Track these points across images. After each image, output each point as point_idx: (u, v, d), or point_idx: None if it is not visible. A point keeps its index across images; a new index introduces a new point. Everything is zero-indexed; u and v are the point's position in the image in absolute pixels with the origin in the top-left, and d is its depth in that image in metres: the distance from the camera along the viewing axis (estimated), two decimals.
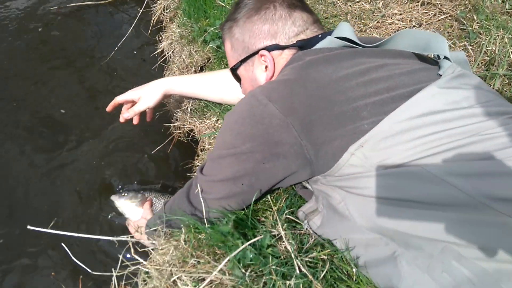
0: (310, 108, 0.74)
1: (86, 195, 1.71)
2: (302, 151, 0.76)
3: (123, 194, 1.44)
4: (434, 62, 0.90)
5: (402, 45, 0.90)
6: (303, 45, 0.92)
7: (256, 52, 0.96)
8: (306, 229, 0.92)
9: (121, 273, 0.90)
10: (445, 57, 0.87)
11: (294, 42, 0.93)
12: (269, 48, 0.94)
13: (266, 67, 0.95)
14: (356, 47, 0.89)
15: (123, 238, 1.03)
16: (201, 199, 0.90)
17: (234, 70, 1.04)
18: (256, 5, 0.95)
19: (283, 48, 0.93)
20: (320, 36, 0.92)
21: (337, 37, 0.88)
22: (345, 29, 0.90)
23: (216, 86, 1.37)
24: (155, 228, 1.01)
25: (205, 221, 0.91)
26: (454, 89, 0.77)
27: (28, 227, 1.01)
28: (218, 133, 0.89)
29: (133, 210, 1.38)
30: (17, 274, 1.46)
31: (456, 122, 0.71)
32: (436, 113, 0.72)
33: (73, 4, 2.70)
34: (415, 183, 0.67)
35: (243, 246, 0.81)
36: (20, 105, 2.11)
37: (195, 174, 1.70)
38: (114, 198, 1.45)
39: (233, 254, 0.81)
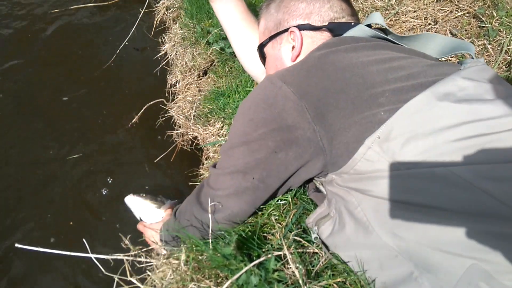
0: (326, 91, 0.71)
1: (87, 206, 1.65)
2: (315, 138, 0.72)
3: (141, 195, 1.34)
4: (456, 65, 0.85)
5: (428, 49, 0.87)
6: (334, 28, 0.89)
7: (287, 29, 0.93)
8: (315, 238, 0.85)
9: None
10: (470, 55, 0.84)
11: (326, 24, 0.90)
12: (301, 27, 0.91)
13: (293, 47, 0.92)
14: (384, 37, 0.86)
15: (119, 256, 0.96)
16: (209, 198, 0.85)
17: (261, 47, 1.00)
18: None
19: (314, 29, 0.90)
20: (352, 24, 0.89)
21: (367, 25, 0.86)
22: (377, 17, 0.90)
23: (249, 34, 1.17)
24: (169, 233, 0.97)
25: (210, 231, 0.84)
26: (477, 81, 0.70)
27: (16, 245, 0.95)
28: (232, 123, 0.84)
29: (154, 212, 1.28)
30: None
31: (480, 114, 0.63)
32: (457, 102, 0.64)
33: (76, 6, 2.67)
34: (439, 188, 0.60)
35: (245, 269, 0.74)
36: (19, 109, 2.07)
37: (200, 181, 1.68)
38: (132, 198, 1.34)
39: (234, 277, 0.75)
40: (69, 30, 2.54)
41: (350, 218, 0.73)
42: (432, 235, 0.60)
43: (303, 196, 0.99)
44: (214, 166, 0.88)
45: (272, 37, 0.97)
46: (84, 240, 0.93)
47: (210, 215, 0.85)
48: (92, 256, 0.93)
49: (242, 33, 1.16)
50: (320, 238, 0.83)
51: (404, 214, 0.63)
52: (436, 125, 0.63)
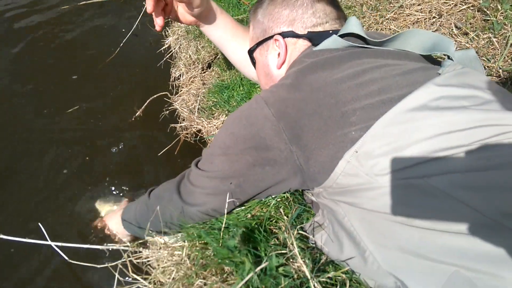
0: (301, 112, 0.73)
1: (89, 198, 1.67)
2: (292, 158, 0.75)
3: (106, 199, 1.41)
4: (437, 62, 0.86)
5: (408, 46, 0.86)
6: (312, 38, 0.90)
7: (272, 37, 0.94)
8: (313, 243, 0.87)
9: None
10: (449, 58, 0.82)
11: (306, 32, 0.91)
12: (284, 35, 0.92)
13: (279, 54, 0.94)
14: (362, 46, 0.85)
15: (115, 246, 0.94)
16: (188, 191, 0.89)
17: (250, 53, 1.03)
18: None
19: (298, 36, 0.91)
20: (330, 32, 0.89)
21: (343, 34, 0.86)
22: (352, 24, 0.87)
23: (241, 40, 1.20)
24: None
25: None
26: (453, 87, 0.69)
27: (1, 236, 0.94)
28: (219, 129, 0.88)
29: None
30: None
31: (455, 123, 0.63)
32: (432, 112, 0.65)
33: (84, 2, 2.70)
34: (417, 199, 0.61)
35: (250, 275, 0.75)
36: (24, 103, 2.08)
37: None
38: (98, 204, 1.41)
39: (246, 279, 0.76)
40: (76, 24, 2.57)
41: (340, 229, 0.75)
42: (414, 243, 0.62)
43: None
44: (197, 163, 0.91)
45: (259, 44, 0.99)
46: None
47: (191, 208, 0.89)
48: (88, 246, 0.92)
49: (236, 50, 1.19)
50: (316, 246, 0.85)
51: (386, 223, 0.65)
52: (410, 138, 0.63)
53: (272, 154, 0.76)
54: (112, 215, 1.26)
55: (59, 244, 0.89)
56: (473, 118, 0.63)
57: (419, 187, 0.61)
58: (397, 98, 0.68)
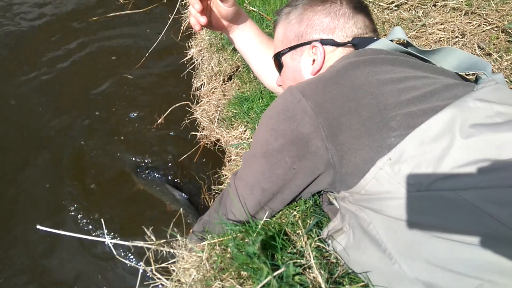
0: (340, 108, 0.72)
1: (113, 197, 1.72)
2: (327, 155, 0.74)
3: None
4: (470, 81, 0.86)
5: (446, 63, 0.87)
6: (358, 43, 0.90)
7: (309, 43, 0.93)
8: (330, 249, 0.87)
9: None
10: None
11: (350, 39, 0.91)
12: (324, 42, 0.91)
13: (314, 60, 0.93)
14: (407, 51, 0.86)
15: (139, 243, 0.93)
16: (231, 208, 0.89)
17: (279, 56, 1.00)
18: None
19: (337, 45, 0.91)
20: (375, 38, 0.90)
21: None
22: (398, 32, 0.90)
23: (266, 52, 1.20)
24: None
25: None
26: (488, 102, 0.70)
27: (38, 226, 0.96)
28: (256, 130, 0.86)
29: None
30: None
31: (489, 139, 0.64)
32: (468, 125, 0.66)
33: (113, 14, 2.83)
34: (446, 211, 0.61)
35: (268, 279, 0.76)
36: (49, 106, 2.17)
37: (220, 183, 1.72)
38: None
39: (261, 284, 0.77)
40: (103, 35, 2.70)
41: (364, 235, 0.74)
42: (441, 255, 0.62)
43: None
44: (236, 173, 0.90)
45: (292, 48, 0.97)
46: (108, 239, 0.96)
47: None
48: (114, 241, 0.95)
49: (261, 56, 1.19)
50: (334, 251, 0.85)
51: (414, 233, 0.65)
52: (445, 150, 0.64)
53: (309, 150, 0.75)
54: None
55: (82, 236, 0.92)
56: (505, 133, 0.64)
57: (450, 200, 0.61)
58: (438, 108, 0.69)
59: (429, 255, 0.63)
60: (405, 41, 0.90)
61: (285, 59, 1.00)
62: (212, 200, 1.65)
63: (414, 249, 0.65)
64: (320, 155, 0.75)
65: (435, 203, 0.62)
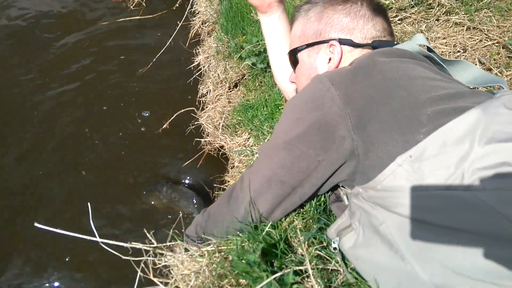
0: (370, 100, 0.71)
1: (113, 201, 1.76)
2: (352, 146, 0.73)
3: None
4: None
5: (460, 77, 0.88)
6: (378, 46, 0.90)
7: (327, 41, 0.93)
8: (334, 248, 0.86)
9: None
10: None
11: (370, 42, 0.91)
12: (342, 42, 0.91)
13: (330, 59, 0.93)
14: (429, 55, 0.87)
15: (138, 245, 0.95)
16: (243, 202, 0.86)
17: (295, 52, 1.00)
18: None
19: (355, 45, 0.91)
20: (395, 42, 0.91)
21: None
22: (420, 38, 0.89)
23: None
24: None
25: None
26: (510, 109, 0.70)
27: (36, 224, 0.97)
28: (279, 120, 0.85)
29: None
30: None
31: (510, 143, 0.64)
32: (490, 131, 0.65)
33: (123, 18, 2.90)
34: (463, 210, 0.61)
35: (266, 281, 0.79)
36: (59, 109, 2.23)
37: (222, 190, 1.75)
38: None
39: (259, 286, 0.79)
40: (114, 39, 2.76)
41: (374, 234, 0.73)
42: (456, 258, 0.61)
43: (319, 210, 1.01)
44: (250, 167, 0.87)
45: (309, 45, 0.96)
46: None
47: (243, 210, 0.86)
48: (110, 242, 0.95)
49: (282, 47, 1.19)
50: (340, 249, 0.84)
51: (429, 235, 0.64)
52: (465, 151, 0.64)
53: (334, 140, 0.74)
54: None
55: (79, 235, 0.94)
56: None
57: (467, 200, 0.60)
58: (465, 109, 0.69)
59: (444, 258, 0.62)
60: (426, 47, 0.90)
61: (301, 55, 0.99)
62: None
63: (428, 251, 0.64)
64: (345, 146, 0.74)
65: (451, 203, 0.62)
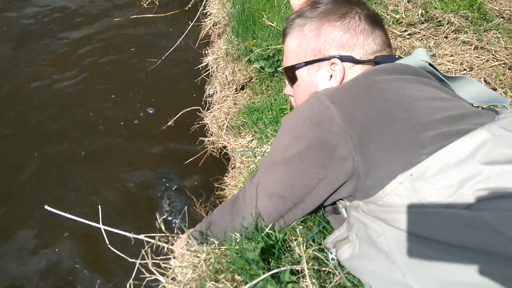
0: (372, 120, 0.71)
1: (114, 194, 1.77)
2: (352, 166, 0.73)
3: None
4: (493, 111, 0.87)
5: (463, 93, 0.87)
6: (380, 62, 0.88)
7: (328, 58, 0.91)
8: (332, 259, 0.88)
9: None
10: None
11: (372, 58, 0.90)
12: (343, 59, 0.90)
13: (331, 76, 0.92)
14: (432, 71, 0.87)
15: (140, 236, 0.94)
16: (244, 215, 0.88)
17: (293, 69, 0.97)
18: (341, 11, 0.91)
19: (357, 62, 0.90)
20: (397, 56, 0.90)
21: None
22: (422, 53, 0.87)
23: None
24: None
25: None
26: (510, 131, 0.70)
27: (46, 207, 0.97)
28: (276, 136, 0.85)
29: None
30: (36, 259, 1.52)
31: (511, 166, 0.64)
32: (492, 153, 0.66)
33: (136, 16, 2.94)
34: (462, 228, 0.61)
35: (263, 277, 0.79)
36: (70, 106, 2.26)
37: (222, 189, 1.77)
38: None
39: (253, 283, 0.80)
40: (124, 36, 2.80)
41: (371, 246, 0.74)
42: (453, 274, 0.62)
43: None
44: (253, 177, 0.87)
45: (308, 63, 0.94)
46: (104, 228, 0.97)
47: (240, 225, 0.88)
48: (114, 230, 0.95)
49: None
50: (337, 260, 0.85)
51: (427, 250, 0.65)
52: (467, 171, 0.64)
53: (335, 159, 0.73)
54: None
55: (87, 222, 0.95)
56: None
57: (468, 218, 0.61)
58: (467, 132, 0.68)
59: (440, 273, 0.63)
60: (428, 63, 0.88)
61: (299, 72, 0.97)
62: (211, 207, 1.69)
63: (425, 266, 0.65)
64: (345, 166, 0.73)
65: (451, 220, 0.62)
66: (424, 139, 0.68)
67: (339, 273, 0.87)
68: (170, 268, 0.96)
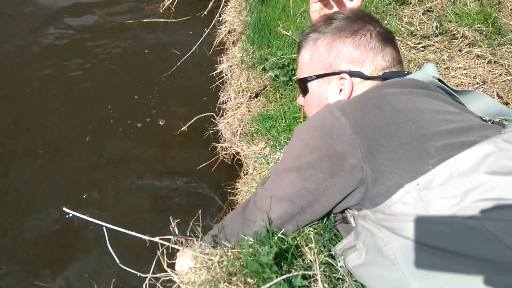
0: (380, 130, 0.74)
1: (127, 197, 1.81)
2: (361, 175, 0.75)
3: None
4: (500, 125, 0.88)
5: (472, 107, 0.89)
6: (388, 78, 0.91)
7: (337, 73, 0.95)
8: (341, 266, 0.90)
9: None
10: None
11: (381, 74, 0.93)
12: (352, 74, 0.93)
13: (341, 90, 0.95)
14: (440, 86, 0.89)
15: (156, 239, 0.96)
16: (255, 217, 0.91)
17: (305, 81, 1.02)
18: (353, 27, 0.94)
19: (366, 78, 0.93)
20: (406, 72, 0.93)
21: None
22: (431, 69, 0.90)
23: None
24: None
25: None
26: None
27: (64, 209, 1.01)
28: (287, 145, 0.88)
29: None
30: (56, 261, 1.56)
31: None
32: (497, 165, 0.68)
33: (148, 19, 2.96)
34: (466, 237, 0.63)
35: (275, 281, 0.81)
36: (82, 107, 2.32)
37: (234, 195, 1.79)
38: None
39: (266, 286, 0.82)
40: (138, 40, 2.84)
41: (377, 254, 0.76)
42: (456, 283, 0.64)
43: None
44: (264, 183, 0.93)
45: (319, 76, 0.98)
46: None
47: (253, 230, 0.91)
48: (129, 232, 0.98)
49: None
50: (346, 267, 0.87)
51: (431, 258, 0.67)
52: (473, 182, 0.66)
53: (344, 168, 0.76)
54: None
55: (105, 224, 0.98)
56: None
57: (471, 228, 0.62)
58: (473, 143, 0.71)
59: (444, 281, 0.65)
60: (437, 79, 0.91)
61: (311, 85, 1.01)
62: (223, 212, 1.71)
63: (430, 274, 0.67)
64: (354, 175, 0.76)
65: (456, 229, 0.64)
66: (430, 149, 0.71)
67: (348, 279, 0.89)
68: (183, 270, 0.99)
